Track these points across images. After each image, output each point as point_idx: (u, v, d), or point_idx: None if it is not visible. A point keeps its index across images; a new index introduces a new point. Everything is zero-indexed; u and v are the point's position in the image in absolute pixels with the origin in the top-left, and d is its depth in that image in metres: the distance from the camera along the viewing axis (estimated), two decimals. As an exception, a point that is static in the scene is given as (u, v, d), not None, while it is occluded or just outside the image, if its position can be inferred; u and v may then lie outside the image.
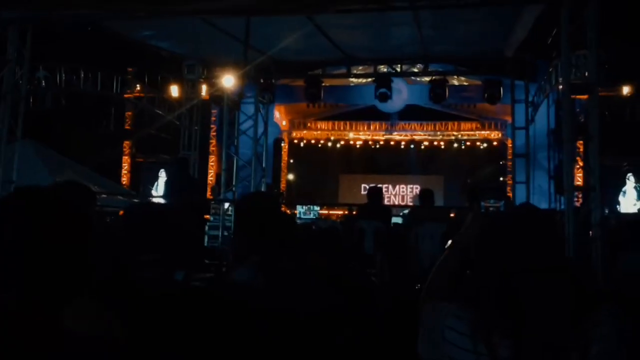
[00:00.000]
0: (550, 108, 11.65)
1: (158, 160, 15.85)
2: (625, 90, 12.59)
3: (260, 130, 11.89)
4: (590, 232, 6.11)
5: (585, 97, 8.07)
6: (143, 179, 16.09)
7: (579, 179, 11.68)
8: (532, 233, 1.66)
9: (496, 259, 1.64)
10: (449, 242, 1.97)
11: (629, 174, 14.96)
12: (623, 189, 14.94)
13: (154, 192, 14.96)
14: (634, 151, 14.47)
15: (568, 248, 5.99)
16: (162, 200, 9.93)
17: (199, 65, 10.95)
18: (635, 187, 15.13)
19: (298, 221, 10.32)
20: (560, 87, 9.16)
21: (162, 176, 15.26)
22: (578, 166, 8.79)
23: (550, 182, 10.61)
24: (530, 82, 11.35)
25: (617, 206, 14.71)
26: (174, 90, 13.56)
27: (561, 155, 9.42)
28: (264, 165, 11.84)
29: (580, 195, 8.21)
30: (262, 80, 11.30)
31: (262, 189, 11.21)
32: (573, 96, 7.45)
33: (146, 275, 1.80)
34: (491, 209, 3.57)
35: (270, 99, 11.83)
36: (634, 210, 14.74)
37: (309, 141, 19.09)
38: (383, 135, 18.75)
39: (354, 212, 8.69)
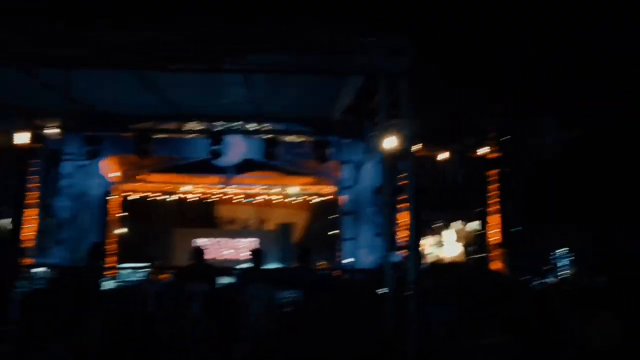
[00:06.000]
0: (376, 167, 12.35)
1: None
2: (441, 153, 13.79)
3: (84, 185, 11.12)
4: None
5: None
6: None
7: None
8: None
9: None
10: None
11: (445, 229, 16.29)
12: (440, 241, 16.20)
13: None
14: (448, 206, 15.85)
15: (390, 305, 6.32)
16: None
17: (13, 114, 10.02)
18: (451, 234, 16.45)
19: (120, 284, 9.49)
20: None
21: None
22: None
23: (376, 238, 11.16)
24: (357, 142, 11.98)
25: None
26: (-16, 139, 12.13)
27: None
28: (88, 223, 10.94)
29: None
30: (86, 133, 10.63)
31: (84, 250, 10.26)
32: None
33: None
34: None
35: (95, 153, 11.10)
36: (458, 252, 15.95)
37: (141, 194, 18.30)
38: (219, 188, 18.56)
39: (180, 272, 8.44)
